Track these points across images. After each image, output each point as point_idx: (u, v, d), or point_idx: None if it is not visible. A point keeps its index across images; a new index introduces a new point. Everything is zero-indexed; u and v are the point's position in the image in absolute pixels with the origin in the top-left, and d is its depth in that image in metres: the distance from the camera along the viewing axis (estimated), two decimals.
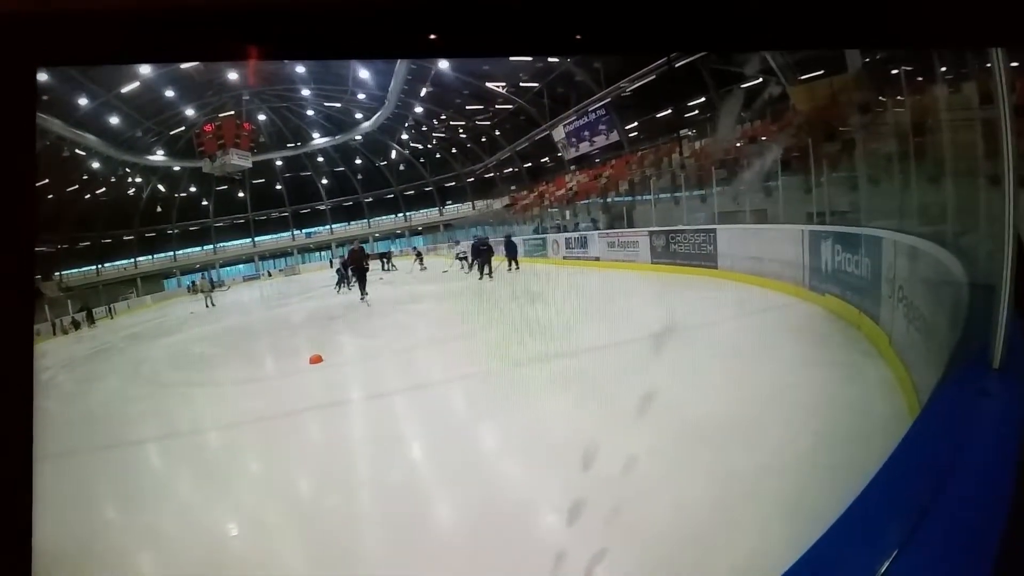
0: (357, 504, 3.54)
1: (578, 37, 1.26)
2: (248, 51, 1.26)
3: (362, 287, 12.78)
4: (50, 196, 28.14)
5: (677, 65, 15.67)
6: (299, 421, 5.52)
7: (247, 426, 5.66)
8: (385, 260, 23.47)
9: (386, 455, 4.19)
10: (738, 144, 12.46)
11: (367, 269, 13.28)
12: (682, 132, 16.71)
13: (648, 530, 2.62)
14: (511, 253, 14.70)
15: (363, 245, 15.31)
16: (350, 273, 14.31)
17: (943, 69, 4.20)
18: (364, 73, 27.65)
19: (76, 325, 23.08)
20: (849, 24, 1.34)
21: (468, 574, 2.64)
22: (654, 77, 17.29)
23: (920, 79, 5.33)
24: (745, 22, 1.29)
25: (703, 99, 16.45)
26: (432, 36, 1.23)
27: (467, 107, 28.70)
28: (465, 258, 16.29)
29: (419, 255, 22.64)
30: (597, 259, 13.41)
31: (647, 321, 6.78)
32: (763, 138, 11.76)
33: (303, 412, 5.69)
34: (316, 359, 7.42)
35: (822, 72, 9.57)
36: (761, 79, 12.96)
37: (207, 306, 20.12)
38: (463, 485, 3.52)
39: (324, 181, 40.63)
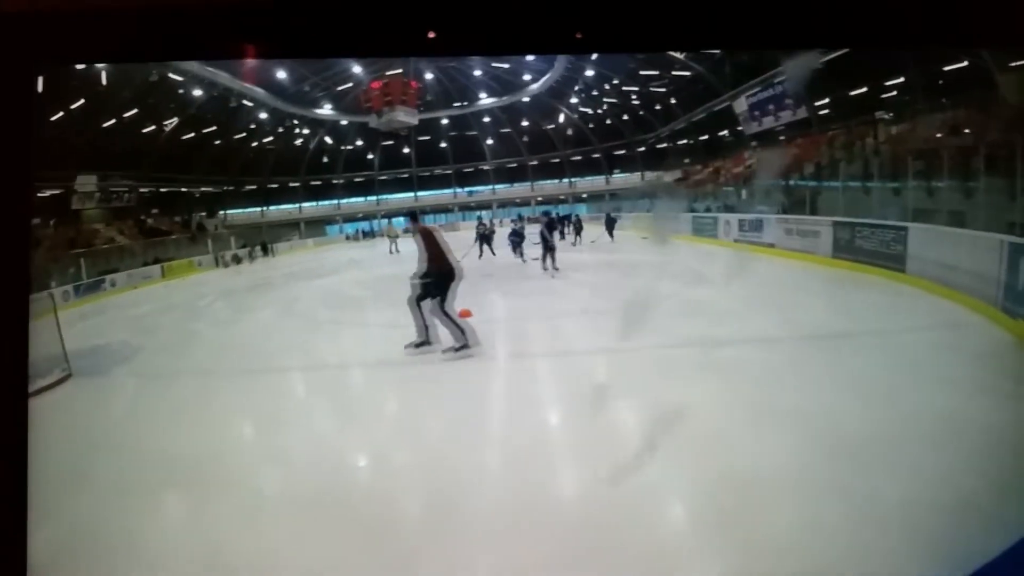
0: (480, 459, 3.61)
1: (579, 36, 1.26)
2: (245, 50, 1.29)
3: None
4: (217, 142, 31.62)
5: None
6: (438, 369, 5.68)
7: (387, 367, 5.91)
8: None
9: (517, 416, 4.29)
10: (939, 135, 11.33)
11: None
12: (878, 114, 15.34)
13: (767, 545, 2.54)
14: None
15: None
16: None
17: None
18: None
19: (237, 260, 25.53)
20: (848, 24, 1.32)
21: (572, 547, 2.63)
22: (848, 49, 15.87)
23: None
24: (748, 20, 1.28)
25: (902, 79, 14.90)
26: (431, 34, 1.24)
27: (641, 72, 27.94)
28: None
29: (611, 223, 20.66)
30: (772, 245, 13.08)
31: (816, 319, 6.70)
32: (967, 130, 10.61)
33: (444, 362, 5.84)
34: (465, 313, 7.33)
35: None
36: (967, 62, 11.56)
37: (391, 252, 20.66)
38: (585, 459, 3.54)
39: (489, 141, 41.67)
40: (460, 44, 1.29)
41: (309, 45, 1.30)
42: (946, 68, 12.85)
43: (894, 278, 8.49)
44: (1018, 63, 9.79)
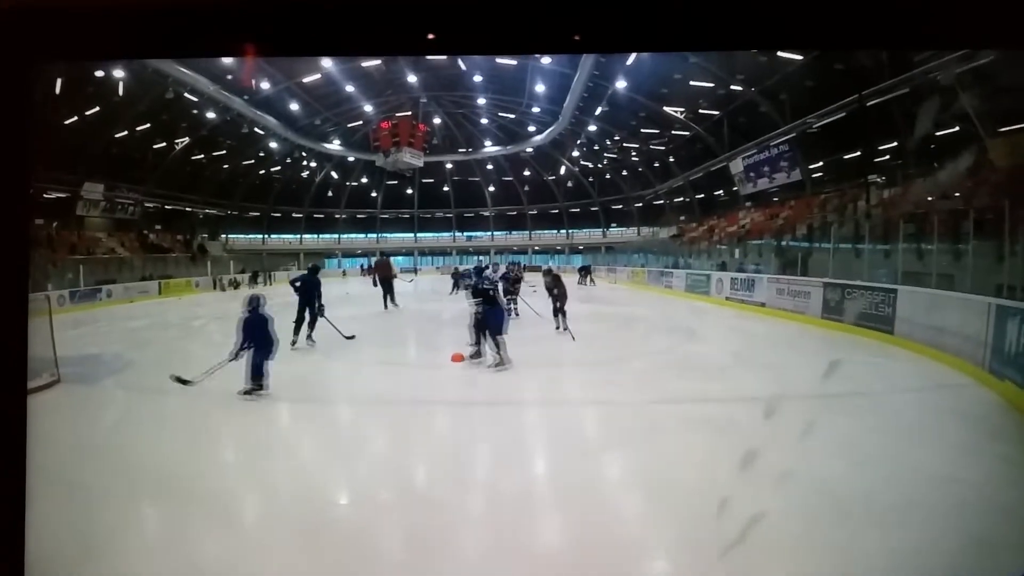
0: (462, 501, 3.56)
1: (576, 38, 1.25)
2: (244, 48, 1.27)
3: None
4: (225, 166, 32.11)
5: (869, 104, 14.77)
6: (428, 411, 5.66)
7: (376, 405, 5.90)
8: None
9: (504, 462, 4.26)
10: (930, 198, 11.48)
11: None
12: (870, 178, 15.62)
13: None
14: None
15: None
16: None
17: None
18: (541, 87, 28.01)
19: (235, 284, 25.54)
20: (844, 26, 1.28)
21: None
22: (844, 115, 16.38)
23: None
24: (746, 21, 1.25)
25: (894, 143, 15.25)
26: (430, 35, 1.24)
27: (642, 130, 28.44)
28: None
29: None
30: (762, 305, 13.01)
31: (806, 379, 6.51)
32: (956, 194, 10.75)
33: (434, 404, 5.86)
34: (458, 357, 7.47)
35: None
36: (957, 127, 11.82)
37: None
38: (569, 509, 3.46)
39: (491, 188, 42.21)
40: (459, 44, 1.29)
41: (309, 43, 1.29)
42: (937, 133, 13.12)
43: (883, 339, 8.37)
44: (1006, 128, 9.99)
